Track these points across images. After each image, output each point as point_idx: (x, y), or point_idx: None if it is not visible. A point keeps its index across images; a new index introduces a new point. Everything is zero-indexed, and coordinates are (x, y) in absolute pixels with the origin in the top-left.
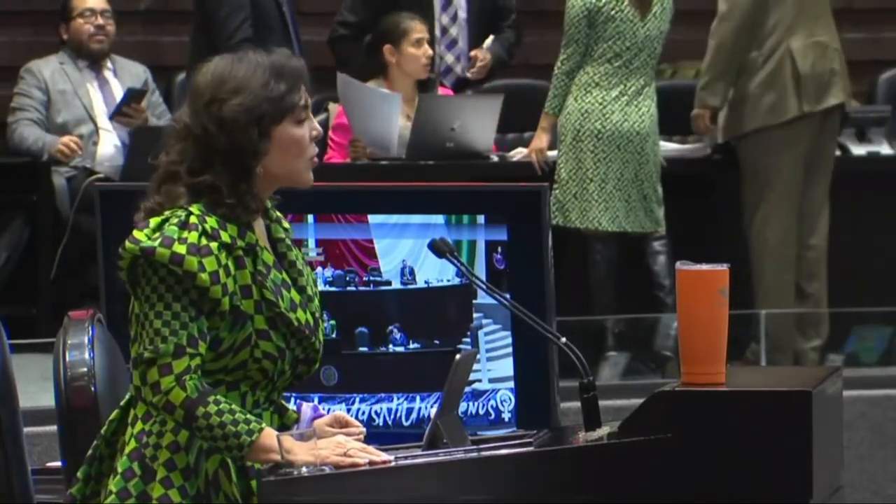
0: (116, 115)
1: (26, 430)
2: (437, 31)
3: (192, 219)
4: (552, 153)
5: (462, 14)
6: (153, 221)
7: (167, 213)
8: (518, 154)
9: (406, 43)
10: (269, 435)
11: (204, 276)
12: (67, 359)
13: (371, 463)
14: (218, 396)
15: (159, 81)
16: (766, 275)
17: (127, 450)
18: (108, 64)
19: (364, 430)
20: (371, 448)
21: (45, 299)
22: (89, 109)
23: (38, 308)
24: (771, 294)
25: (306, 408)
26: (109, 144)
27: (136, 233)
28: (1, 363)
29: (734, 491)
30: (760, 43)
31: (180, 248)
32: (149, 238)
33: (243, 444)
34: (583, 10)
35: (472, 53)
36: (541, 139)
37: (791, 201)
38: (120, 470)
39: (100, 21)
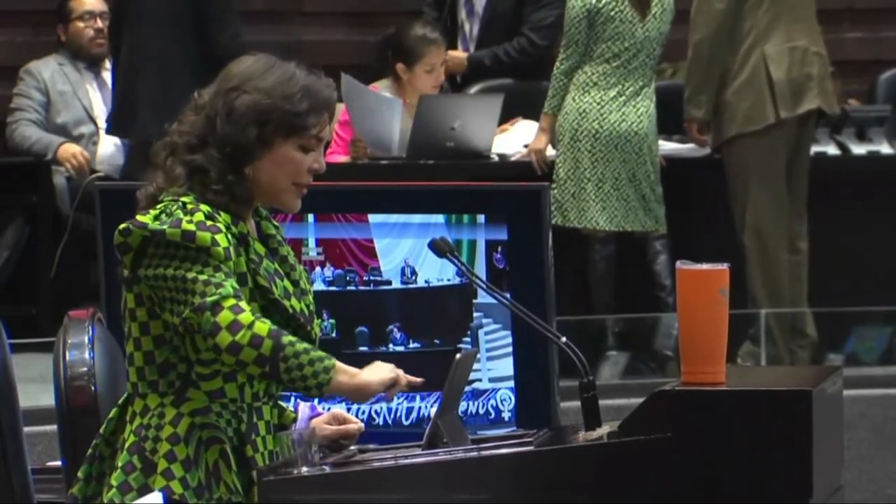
0: None
1: (26, 429)
2: (458, 24)
3: (189, 206)
4: (551, 153)
5: (479, 9)
6: (153, 212)
7: (161, 205)
8: (518, 154)
9: (419, 67)
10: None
11: (218, 249)
12: (67, 358)
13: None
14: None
15: None
16: (757, 279)
17: (126, 445)
18: (107, 64)
19: (363, 426)
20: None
21: (45, 299)
22: (89, 110)
23: (38, 308)
24: (765, 298)
25: (304, 407)
26: (109, 144)
27: (140, 217)
28: (1, 363)
29: (734, 491)
30: (736, 49)
31: (189, 226)
32: (154, 220)
33: (329, 366)
34: (583, 10)
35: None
36: (540, 139)
37: (776, 205)
38: (120, 464)
39: (99, 24)
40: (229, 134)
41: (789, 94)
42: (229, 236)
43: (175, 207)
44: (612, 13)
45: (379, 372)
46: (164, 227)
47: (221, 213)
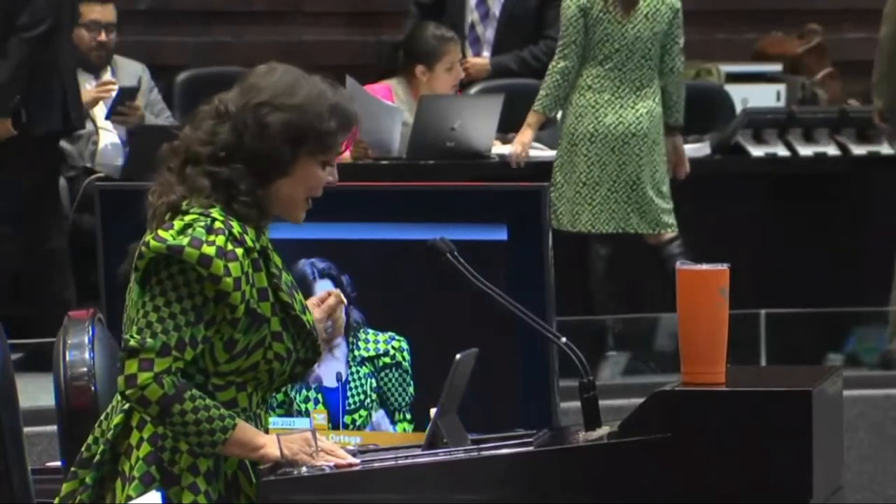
0: (112, 114)
1: (26, 429)
2: (465, 27)
3: (217, 224)
4: (536, 153)
5: (495, 12)
6: (177, 224)
7: (189, 217)
8: (505, 149)
9: (439, 67)
10: (243, 430)
11: (228, 280)
12: (67, 359)
13: (337, 466)
14: (193, 392)
15: (159, 81)
16: None
17: (141, 454)
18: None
19: (341, 295)
20: (339, 450)
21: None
22: (87, 110)
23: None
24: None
25: None
26: (109, 144)
27: (161, 232)
28: (1, 363)
29: (734, 491)
30: None
31: (209, 250)
32: (174, 238)
33: (217, 441)
34: (576, 10)
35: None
36: (524, 134)
37: None
38: (137, 475)
39: (103, 37)
40: (261, 151)
41: None
42: (247, 261)
43: (202, 224)
44: (601, 15)
45: (282, 450)
46: (184, 243)
47: (249, 229)
